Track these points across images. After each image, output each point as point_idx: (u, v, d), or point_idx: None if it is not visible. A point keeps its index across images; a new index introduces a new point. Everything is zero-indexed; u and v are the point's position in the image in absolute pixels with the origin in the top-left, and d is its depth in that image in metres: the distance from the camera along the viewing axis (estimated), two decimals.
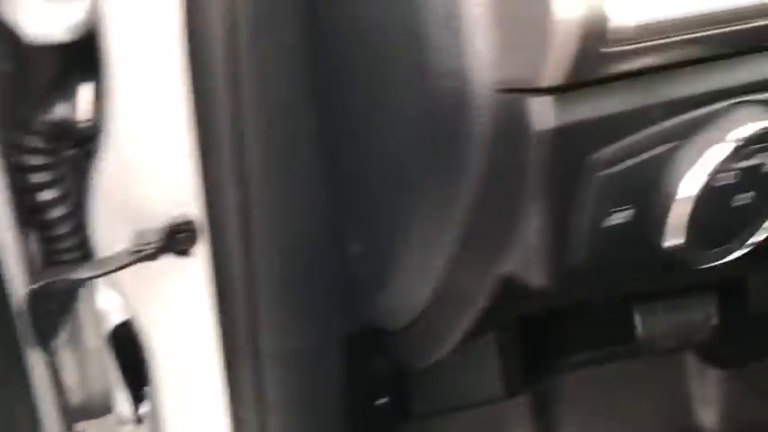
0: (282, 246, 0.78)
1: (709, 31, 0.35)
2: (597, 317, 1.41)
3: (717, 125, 0.38)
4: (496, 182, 0.38)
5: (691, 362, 1.48)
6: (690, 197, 0.38)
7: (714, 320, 1.42)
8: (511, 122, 0.34)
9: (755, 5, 0.35)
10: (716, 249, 0.41)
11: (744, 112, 0.39)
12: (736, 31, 0.35)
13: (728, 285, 1.46)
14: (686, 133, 0.37)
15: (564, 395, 1.41)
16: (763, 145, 0.39)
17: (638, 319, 1.37)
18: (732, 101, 0.39)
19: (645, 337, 1.37)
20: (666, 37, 0.33)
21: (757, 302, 1.51)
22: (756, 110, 0.39)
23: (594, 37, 0.32)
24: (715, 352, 1.45)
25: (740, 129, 0.38)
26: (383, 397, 1.16)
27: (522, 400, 1.34)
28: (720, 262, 0.42)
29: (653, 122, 0.37)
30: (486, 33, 0.34)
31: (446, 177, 0.41)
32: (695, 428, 1.42)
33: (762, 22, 0.35)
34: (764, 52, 0.39)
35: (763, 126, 0.38)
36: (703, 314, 1.40)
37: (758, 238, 0.43)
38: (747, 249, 0.43)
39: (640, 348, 1.38)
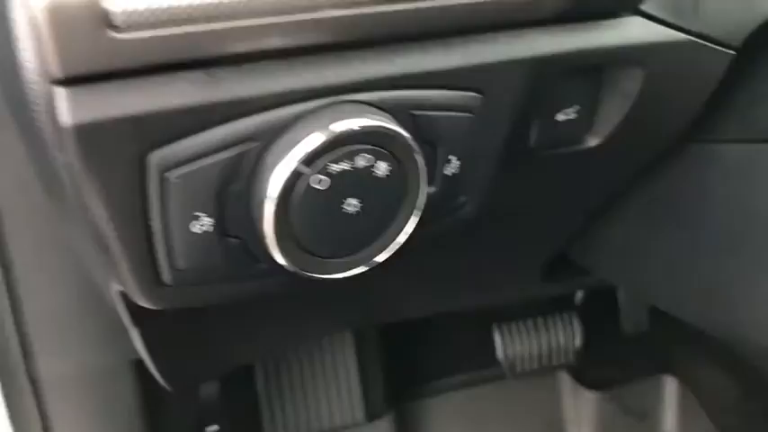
0: (48, 267, 0.74)
1: (239, 22, 0.31)
2: (460, 340, 1.39)
3: (308, 124, 0.35)
4: (74, 187, 0.35)
5: (564, 383, 1.47)
6: (276, 198, 0.34)
7: (578, 342, 1.42)
8: (53, 117, 0.31)
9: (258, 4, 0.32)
10: (336, 261, 0.38)
11: (342, 110, 0.36)
12: (270, 26, 0.32)
13: (595, 306, 1.46)
14: (273, 133, 0.35)
15: (431, 419, 1.38)
16: (368, 147, 0.36)
17: (498, 342, 1.36)
18: (328, 100, 0.36)
19: (506, 359, 1.36)
20: (181, 24, 0.30)
21: (628, 323, 1.51)
22: (358, 109, 0.36)
23: (81, 21, 0.29)
24: (587, 373, 1.44)
25: (334, 125, 0.35)
26: (213, 424, 1.11)
27: (383, 424, 1.31)
28: (344, 275, 0.39)
29: (224, 120, 0.34)
30: (21, 18, 0.31)
31: (58, 186, 0.37)
32: None
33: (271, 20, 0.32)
34: (360, 51, 0.36)
35: (363, 124, 0.35)
36: (566, 336, 1.40)
37: (382, 256, 0.39)
38: (372, 266, 0.39)
39: (503, 371, 1.37)
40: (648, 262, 0.60)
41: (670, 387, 1.45)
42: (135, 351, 0.82)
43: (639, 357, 1.48)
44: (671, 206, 0.55)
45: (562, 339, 1.38)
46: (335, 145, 0.34)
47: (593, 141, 0.49)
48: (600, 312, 1.47)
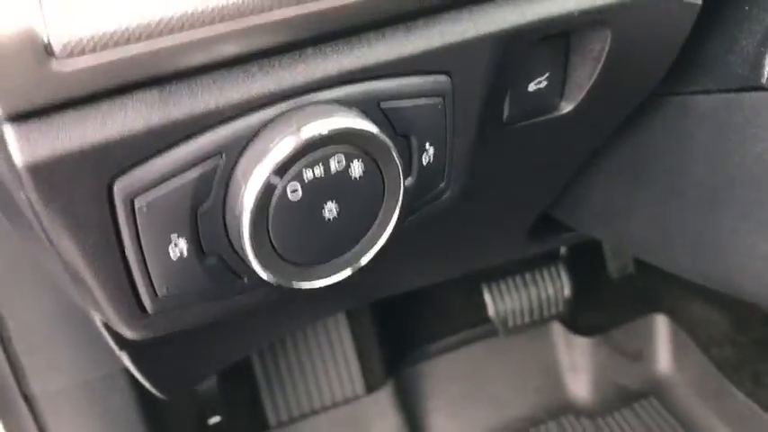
0: (28, 281, 0.73)
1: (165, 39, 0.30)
2: (451, 302, 1.39)
3: (274, 131, 0.34)
4: (40, 225, 0.33)
5: (557, 332, 1.48)
6: (251, 213, 0.32)
7: (567, 291, 1.43)
8: (6, 157, 0.30)
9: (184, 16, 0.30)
10: (320, 267, 0.37)
11: (308, 112, 0.34)
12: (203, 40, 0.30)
13: (581, 255, 1.46)
14: (239, 145, 0.33)
15: (430, 382, 1.39)
16: (341, 148, 0.35)
17: (488, 299, 1.36)
18: (291, 103, 0.33)
19: (497, 316, 1.36)
20: (124, 45, 0.28)
21: (614, 267, 1.52)
22: (324, 109, 0.35)
23: (18, 54, 0.27)
24: (579, 320, 1.46)
25: (303, 130, 0.33)
26: (214, 416, 1.11)
27: (383, 394, 1.31)
28: (329, 281, 0.37)
29: (186, 137, 0.32)
30: None
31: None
32: (566, 397, 1.41)
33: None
34: (317, 47, 0.34)
35: (333, 126, 0.34)
36: (555, 287, 1.40)
37: (367, 257, 0.37)
38: (357, 268, 0.38)
39: (496, 328, 1.37)
40: (632, 216, 0.60)
41: (661, 325, 1.46)
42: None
43: (629, 299, 1.49)
44: (651, 160, 0.55)
45: (551, 291, 1.38)
46: (306, 151, 0.33)
47: (566, 107, 0.48)
48: (586, 260, 1.48)
